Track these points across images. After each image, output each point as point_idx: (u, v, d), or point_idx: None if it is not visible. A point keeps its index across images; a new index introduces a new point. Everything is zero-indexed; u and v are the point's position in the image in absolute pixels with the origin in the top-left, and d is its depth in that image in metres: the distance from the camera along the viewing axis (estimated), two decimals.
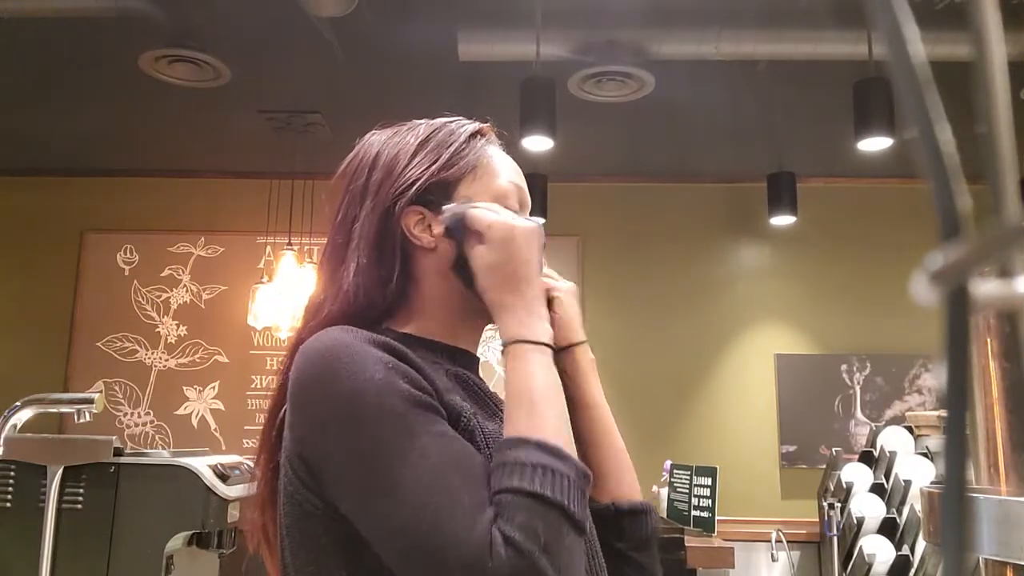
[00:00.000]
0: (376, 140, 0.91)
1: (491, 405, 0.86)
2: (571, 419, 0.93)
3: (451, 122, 0.92)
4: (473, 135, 0.91)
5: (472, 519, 0.65)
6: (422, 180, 0.86)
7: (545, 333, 0.79)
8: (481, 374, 0.93)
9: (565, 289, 0.97)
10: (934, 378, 4.37)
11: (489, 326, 0.91)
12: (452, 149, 0.88)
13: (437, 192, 0.86)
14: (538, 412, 0.73)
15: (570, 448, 0.73)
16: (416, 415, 0.71)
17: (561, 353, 0.94)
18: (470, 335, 0.91)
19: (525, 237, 0.81)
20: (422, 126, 0.91)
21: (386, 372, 0.73)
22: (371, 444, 0.70)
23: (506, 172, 0.90)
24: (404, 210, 0.85)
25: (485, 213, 0.83)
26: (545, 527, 0.65)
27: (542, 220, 0.89)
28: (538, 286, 0.82)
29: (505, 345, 0.79)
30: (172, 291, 4.62)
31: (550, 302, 0.95)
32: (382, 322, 0.86)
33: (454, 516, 0.65)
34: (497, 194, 0.88)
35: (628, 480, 0.94)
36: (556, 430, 0.73)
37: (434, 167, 0.87)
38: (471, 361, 0.90)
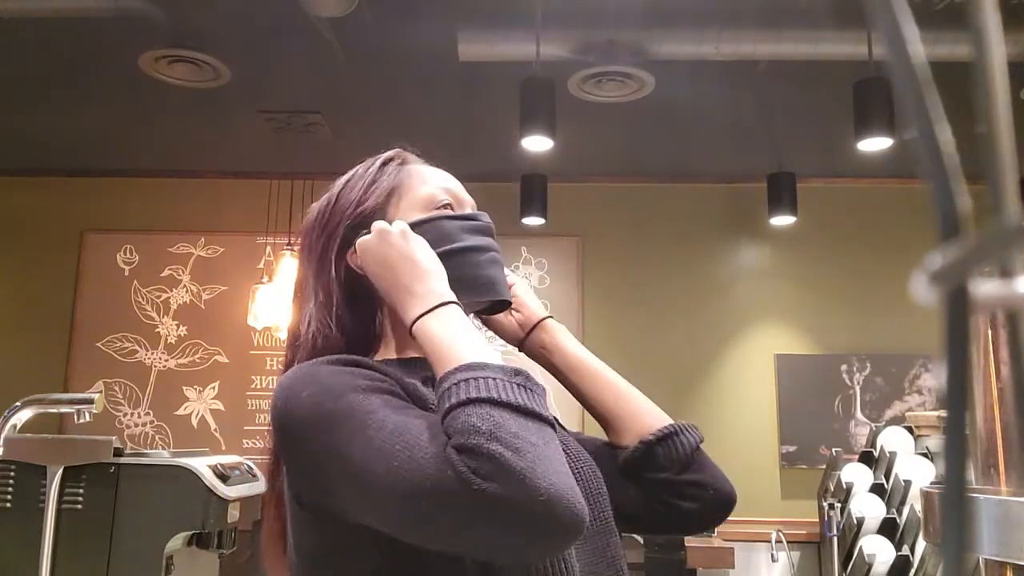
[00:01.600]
0: (313, 207, 0.98)
1: None
2: (570, 387, 1.01)
3: (364, 163, 0.98)
4: (384, 163, 0.97)
5: (430, 449, 0.67)
6: (348, 220, 0.92)
7: (435, 297, 0.81)
8: None
9: (512, 280, 1.02)
10: (934, 378, 4.37)
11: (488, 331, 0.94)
12: (365, 182, 0.95)
13: (366, 224, 0.91)
14: (449, 352, 0.75)
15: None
16: (374, 396, 0.74)
17: (531, 336, 1.02)
18: None
19: (385, 237, 0.86)
20: (342, 178, 0.98)
21: (342, 374, 0.77)
22: (339, 429, 0.73)
23: (430, 181, 0.95)
24: (344, 252, 0.91)
25: (363, 237, 0.89)
26: (482, 420, 0.65)
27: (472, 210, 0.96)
28: (420, 268, 0.84)
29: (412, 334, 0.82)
30: (172, 291, 4.62)
31: None
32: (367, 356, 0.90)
33: (414, 454, 0.67)
34: (424, 202, 0.93)
35: (647, 414, 0.97)
36: (473, 354, 0.74)
37: (353, 205, 0.94)
38: None
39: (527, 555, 0.68)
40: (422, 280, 0.83)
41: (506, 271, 1.00)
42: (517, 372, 0.72)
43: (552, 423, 0.70)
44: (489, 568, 0.73)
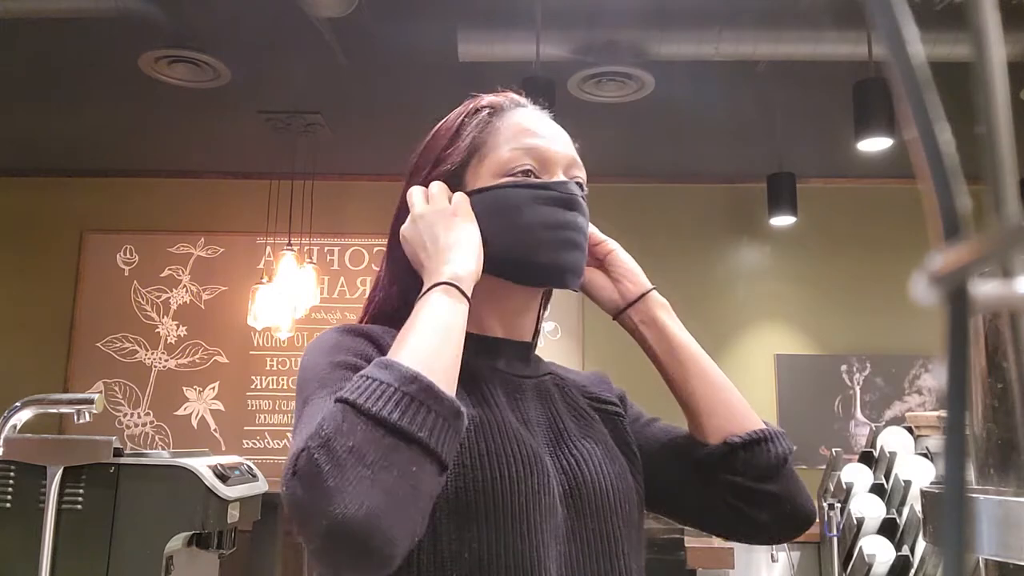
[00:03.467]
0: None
1: (485, 390, 0.81)
2: (661, 368, 0.91)
3: (457, 112, 0.89)
4: (475, 112, 0.87)
5: (296, 441, 0.67)
6: (424, 182, 0.86)
7: (445, 274, 0.75)
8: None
9: (612, 247, 0.95)
10: (934, 378, 4.37)
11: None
12: (449, 135, 0.86)
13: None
14: (404, 339, 0.71)
15: (428, 370, 0.67)
16: (338, 371, 0.73)
17: (631, 308, 0.91)
18: (493, 319, 0.87)
19: (415, 220, 0.81)
20: (432, 129, 0.90)
21: (340, 345, 0.77)
22: (299, 400, 0.75)
23: (512, 140, 0.84)
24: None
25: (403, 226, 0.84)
26: (331, 423, 0.63)
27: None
28: (436, 247, 0.78)
29: None
30: (172, 291, 4.62)
31: (605, 259, 0.94)
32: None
33: (294, 440, 0.68)
34: (500, 167, 0.83)
35: (738, 413, 0.90)
36: (411, 352, 0.69)
37: (430, 164, 0.86)
38: (490, 345, 0.86)
39: (339, 568, 0.66)
40: (432, 259, 0.78)
41: (599, 238, 0.94)
42: (414, 379, 0.65)
43: (426, 446, 0.63)
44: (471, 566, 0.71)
